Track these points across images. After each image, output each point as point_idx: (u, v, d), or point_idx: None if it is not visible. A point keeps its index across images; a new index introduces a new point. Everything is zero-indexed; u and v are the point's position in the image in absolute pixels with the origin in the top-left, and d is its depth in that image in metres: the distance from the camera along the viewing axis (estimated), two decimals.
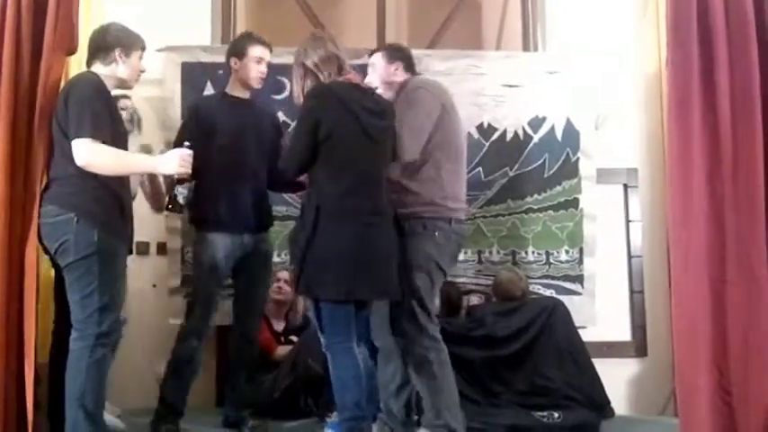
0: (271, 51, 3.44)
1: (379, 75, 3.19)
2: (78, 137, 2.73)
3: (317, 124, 2.76)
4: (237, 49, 3.41)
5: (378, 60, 3.21)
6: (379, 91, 3.10)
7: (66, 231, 2.74)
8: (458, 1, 4.74)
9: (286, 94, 4.05)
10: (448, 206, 3.00)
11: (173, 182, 2.85)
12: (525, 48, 4.48)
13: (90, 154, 2.73)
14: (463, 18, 4.84)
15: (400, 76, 3.19)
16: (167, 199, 2.87)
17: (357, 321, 2.86)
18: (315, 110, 2.79)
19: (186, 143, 2.83)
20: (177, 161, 2.77)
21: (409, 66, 3.23)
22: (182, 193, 2.85)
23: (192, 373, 3.32)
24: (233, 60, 3.41)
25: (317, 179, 2.81)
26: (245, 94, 3.44)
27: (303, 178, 2.95)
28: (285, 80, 3.99)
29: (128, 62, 2.94)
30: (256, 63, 3.37)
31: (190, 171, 2.80)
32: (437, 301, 3.20)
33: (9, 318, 2.99)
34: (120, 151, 2.79)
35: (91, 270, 2.73)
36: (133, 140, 3.55)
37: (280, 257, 3.91)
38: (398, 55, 3.22)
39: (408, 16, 5.22)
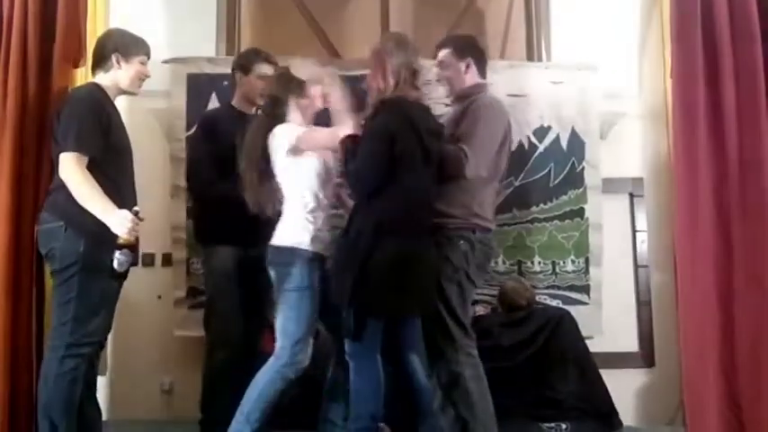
0: (276, 68, 3.43)
1: (448, 74, 3.11)
2: (63, 151, 2.76)
3: (392, 141, 2.74)
4: (243, 63, 3.45)
5: (447, 58, 3.12)
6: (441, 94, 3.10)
7: (55, 239, 2.78)
8: (462, 11, 4.74)
9: None
10: (470, 220, 2.96)
11: (118, 245, 2.73)
12: (530, 57, 4.48)
13: (66, 171, 2.75)
14: (467, 28, 4.82)
15: (471, 77, 3.10)
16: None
17: (404, 333, 2.91)
18: (390, 126, 2.76)
19: (135, 208, 2.77)
20: (125, 227, 2.71)
21: (481, 63, 3.13)
22: (118, 258, 2.72)
23: (231, 385, 3.27)
24: (238, 75, 3.46)
25: (378, 195, 2.78)
26: (250, 109, 3.46)
27: None
28: None
29: (127, 67, 2.95)
30: (261, 80, 3.39)
31: (133, 240, 2.74)
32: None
33: (18, 322, 3.06)
34: (92, 186, 2.73)
35: (71, 279, 2.75)
36: None
37: None
38: (470, 49, 3.13)
39: (412, 27, 5.22)
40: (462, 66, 3.10)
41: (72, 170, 2.74)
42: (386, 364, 2.92)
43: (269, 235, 3.45)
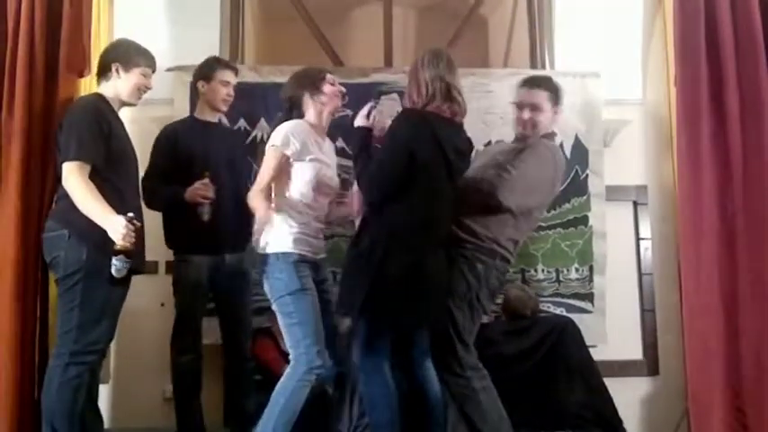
0: (237, 75, 3.54)
1: (541, 119, 3.09)
2: (65, 160, 2.79)
3: (411, 155, 2.72)
4: (204, 72, 3.50)
5: (543, 102, 3.10)
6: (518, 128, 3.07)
7: (59, 247, 2.80)
8: (465, 19, 4.74)
9: None
10: (493, 247, 2.95)
11: (114, 251, 2.73)
12: (533, 65, 4.47)
13: (68, 180, 2.78)
14: (470, 36, 4.84)
15: (553, 123, 3.14)
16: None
17: (417, 344, 2.93)
18: (411, 141, 2.74)
19: (129, 214, 2.76)
20: (120, 232, 2.71)
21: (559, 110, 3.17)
22: (115, 264, 2.72)
23: (198, 390, 3.41)
24: (200, 84, 3.51)
25: (393, 207, 2.78)
26: (214, 118, 3.55)
27: None
28: None
29: (126, 77, 2.97)
30: (223, 86, 3.47)
31: (129, 246, 2.73)
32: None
33: (25, 329, 3.10)
34: (93, 194, 2.75)
35: (75, 287, 2.76)
36: None
37: None
38: (560, 97, 3.16)
39: (415, 35, 5.23)
40: (553, 113, 3.12)
41: (74, 179, 2.76)
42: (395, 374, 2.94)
43: (242, 241, 3.48)
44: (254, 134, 3.98)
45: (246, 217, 3.45)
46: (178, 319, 3.41)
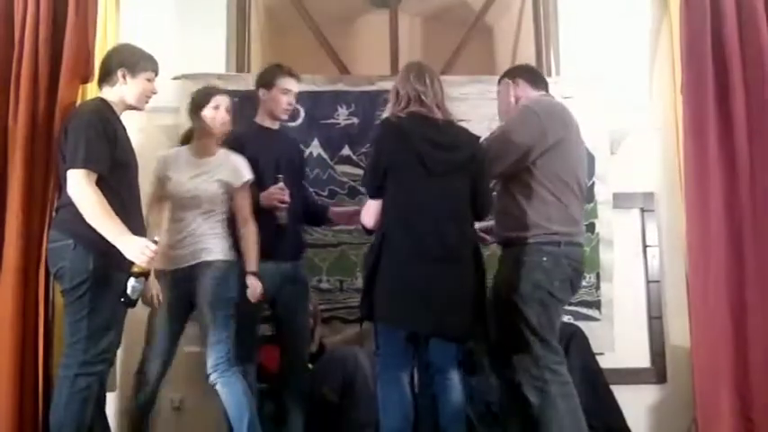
0: (299, 82, 3.50)
1: (503, 97, 3.25)
2: (71, 167, 2.74)
3: (380, 154, 2.87)
4: (266, 80, 3.46)
5: (502, 85, 3.27)
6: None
7: (64, 257, 2.76)
8: (470, 27, 4.75)
9: (300, 121, 4.06)
10: (553, 229, 2.92)
11: (134, 273, 2.70)
12: None
13: (76, 189, 2.73)
14: (476, 43, 4.84)
15: (523, 90, 3.20)
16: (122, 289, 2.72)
17: (431, 355, 2.93)
18: (378, 141, 2.93)
19: (156, 238, 2.75)
20: (140, 253, 2.68)
21: (535, 81, 3.23)
22: (134, 286, 2.69)
23: None
24: (261, 91, 3.47)
25: (385, 209, 2.87)
26: (275, 125, 3.50)
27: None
28: (299, 107, 3.98)
29: (133, 83, 2.93)
30: (284, 94, 3.42)
31: (148, 269, 2.73)
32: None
33: (26, 341, 3.09)
34: (104, 208, 2.70)
35: (83, 297, 2.73)
36: None
37: None
38: (518, 72, 3.28)
39: (421, 43, 5.24)
40: (512, 85, 3.22)
41: (81, 188, 2.71)
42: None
43: (300, 249, 3.50)
44: None
45: (301, 225, 3.52)
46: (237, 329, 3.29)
